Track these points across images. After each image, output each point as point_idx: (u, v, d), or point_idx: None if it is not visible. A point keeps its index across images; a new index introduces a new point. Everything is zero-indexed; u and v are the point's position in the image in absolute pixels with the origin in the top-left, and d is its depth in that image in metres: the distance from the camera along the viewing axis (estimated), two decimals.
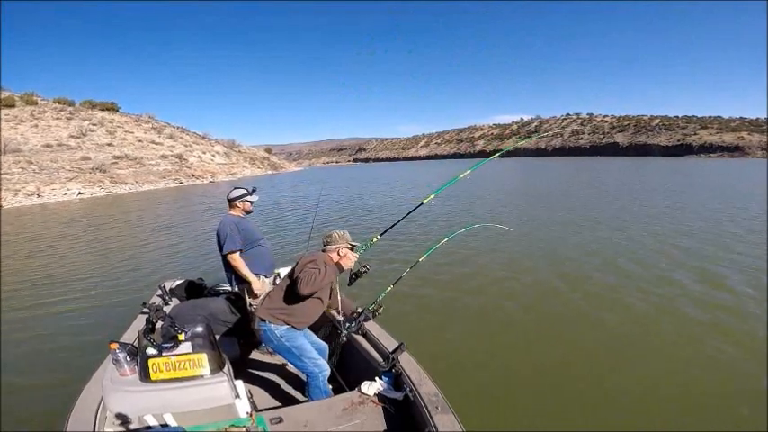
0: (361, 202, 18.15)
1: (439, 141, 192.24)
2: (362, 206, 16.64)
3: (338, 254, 2.55)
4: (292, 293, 2.37)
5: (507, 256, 7.58)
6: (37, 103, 46.16)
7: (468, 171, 2.99)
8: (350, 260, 2.56)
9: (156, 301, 3.42)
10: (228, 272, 3.37)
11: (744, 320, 4.55)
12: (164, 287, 3.64)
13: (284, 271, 3.44)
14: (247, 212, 3.47)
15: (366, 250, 2.73)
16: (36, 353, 4.37)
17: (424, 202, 2.91)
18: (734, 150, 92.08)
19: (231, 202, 3.42)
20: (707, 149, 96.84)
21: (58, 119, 43.81)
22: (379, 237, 2.82)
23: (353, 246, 2.62)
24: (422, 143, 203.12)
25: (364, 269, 2.68)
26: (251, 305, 3.31)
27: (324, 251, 2.57)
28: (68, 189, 29.14)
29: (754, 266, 6.41)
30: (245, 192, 3.42)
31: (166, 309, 3.20)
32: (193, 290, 3.56)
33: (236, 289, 3.40)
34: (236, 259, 3.22)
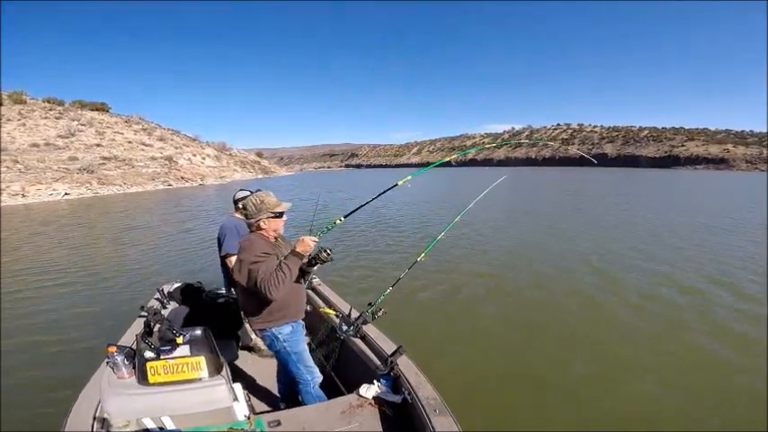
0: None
1: (431, 149, 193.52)
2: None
3: (263, 225, 2.23)
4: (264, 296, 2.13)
5: (505, 256, 7.69)
6: (26, 102, 45.51)
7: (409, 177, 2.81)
8: (308, 246, 2.16)
9: (154, 304, 3.39)
10: (225, 274, 3.36)
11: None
12: (162, 290, 3.61)
13: None
14: None
15: (325, 234, 2.40)
16: (34, 356, 4.31)
17: (399, 183, 2.67)
18: (719, 162, 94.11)
19: (234, 203, 3.43)
20: (693, 161, 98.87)
21: (46, 118, 43.21)
22: (342, 219, 2.51)
23: (278, 213, 2.26)
24: (414, 150, 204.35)
25: (325, 255, 2.24)
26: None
27: (250, 228, 2.30)
28: (54, 189, 28.71)
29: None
30: (248, 193, 3.42)
31: (164, 312, 3.18)
32: (191, 293, 3.53)
33: (231, 291, 3.40)
34: (234, 262, 3.21)
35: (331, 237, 10.62)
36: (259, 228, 2.26)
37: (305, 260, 2.21)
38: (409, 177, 2.71)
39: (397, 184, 2.62)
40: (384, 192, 2.60)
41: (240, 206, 3.38)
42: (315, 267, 2.32)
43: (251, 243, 2.21)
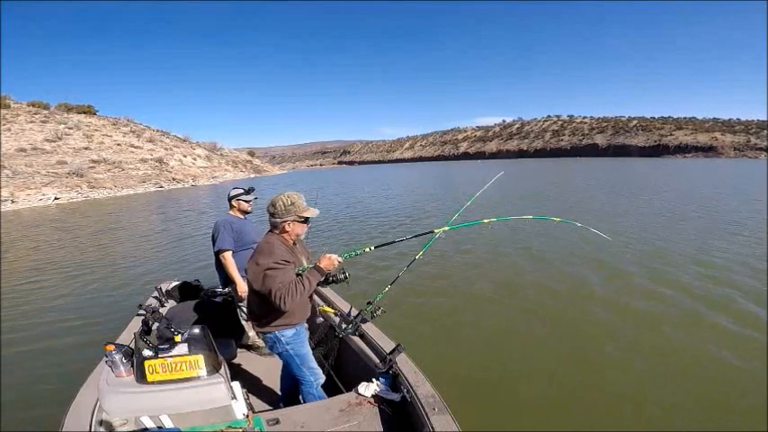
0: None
1: (423, 144, 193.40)
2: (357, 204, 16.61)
3: (288, 227, 2.21)
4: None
5: (504, 255, 7.71)
6: (10, 106, 44.63)
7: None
8: (332, 263, 2.19)
9: (152, 302, 3.39)
10: (220, 271, 3.38)
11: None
12: (160, 289, 3.60)
13: None
14: (245, 212, 3.47)
15: (352, 257, 2.45)
16: (31, 355, 4.29)
17: (435, 232, 2.81)
18: (708, 150, 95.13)
19: (229, 201, 3.46)
20: (682, 150, 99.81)
21: (32, 122, 42.48)
22: (373, 248, 2.58)
23: (305, 219, 2.25)
24: (406, 146, 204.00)
25: (343, 276, 2.41)
26: (240, 306, 3.32)
27: (274, 227, 2.25)
28: (44, 194, 28.28)
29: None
30: (241, 191, 3.45)
31: (162, 310, 3.18)
32: (189, 291, 3.53)
33: (227, 289, 3.42)
34: (227, 258, 3.24)
35: (328, 234, 10.63)
36: (283, 230, 2.22)
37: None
38: (446, 228, 2.81)
39: (433, 232, 2.80)
40: (419, 235, 2.91)
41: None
42: (329, 284, 2.42)
43: (271, 247, 2.16)
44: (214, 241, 3.30)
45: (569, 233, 9.31)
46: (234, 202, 3.43)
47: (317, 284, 2.32)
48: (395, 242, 2.81)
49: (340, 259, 2.24)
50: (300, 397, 2.48)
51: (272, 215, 2.22)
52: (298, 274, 2.17)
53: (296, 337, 2.33)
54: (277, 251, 2.13)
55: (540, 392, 3.36)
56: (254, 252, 2.23)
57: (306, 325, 2.45)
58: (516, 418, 3.06)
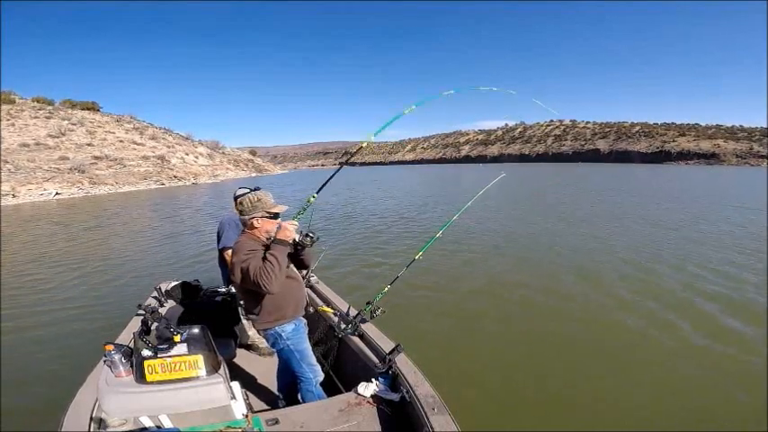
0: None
1: (425, 146, 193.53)
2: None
3: (256, 224, 2.26)
4: (264, 294, 2.18)
5: (504, 255, 7.71)
6: (14, 102, 44.80)
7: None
8: (287, 231, 2.20)
9: (152, 302, 3.38)
10: (223, 268, 3.41)
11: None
12: (159, 289, 3.60)
13: None
14: None
15: (303, 214, 2.46)
16: (30, 355, 4.27)
17: (363, 144, 2.93)
18: (710, 157, 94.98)
19: (235, 200, 3.51)
20: (684, 156, 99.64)
21: (36, 118, 42.59)
22: (315, 195, 2.61)
23: (274, 214, 2.30)
24: (408, 147, 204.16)
25: (308, 238, 2.38)
26: (241, 304, 3.33)
27: (243, 226, 2.33)
28: (45, 189, 28.35)
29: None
30: (247, 191, 3.48)
31: (162, 310, 3.18)
32: (189, 291, 3.53)
33: (228, 288, 3.43)
34: (231, 256, 3.25)
35: (328, 235, 10.61)
36: (252, 227, 2.28)
37: (290, 247, 2.25)
38: (372, 140, 2.86)
39: (361, 146, 2.93)
40: (350, 158, 2.93)
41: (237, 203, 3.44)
42: (303, 253, 2.42)
43: (240, 244, 2.23)
44: (219, 239, 3.34)
45: (571, 235, 9.32)
46: (238, 201, 3.48)
47: (304, 260, 2.48)
48: (330, 179, 2.72)
49: (295, 223, 2.29)
50: (299, 395, 2.49)
51: (240, 213, 2.30)
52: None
53: (296, 333, 2.36)
54: (244, 246, 2.20)
55: (539, 392, 3.37)
56: (232, 255, 2.28)
57: (304, 321, 2.48)
58: (516, 417, 3.06)
